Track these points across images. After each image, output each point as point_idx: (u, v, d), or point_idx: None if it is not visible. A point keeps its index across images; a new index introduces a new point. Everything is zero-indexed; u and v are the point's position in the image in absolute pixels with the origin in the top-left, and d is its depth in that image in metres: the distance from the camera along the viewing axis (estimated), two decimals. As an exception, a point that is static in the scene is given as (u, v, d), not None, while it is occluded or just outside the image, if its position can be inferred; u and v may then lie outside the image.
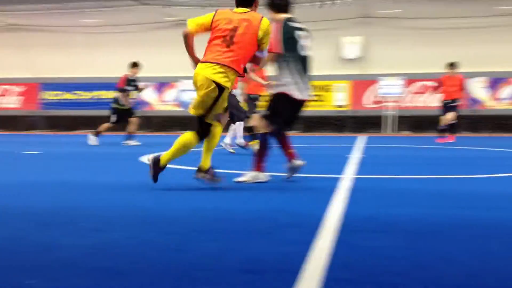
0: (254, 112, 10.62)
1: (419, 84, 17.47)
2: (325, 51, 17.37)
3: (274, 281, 2.20)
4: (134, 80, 11.84)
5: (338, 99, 17.88)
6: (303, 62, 5.04)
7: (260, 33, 4.56)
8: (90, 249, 2.70)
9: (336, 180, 5.26)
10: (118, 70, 18.90)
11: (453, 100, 12.62)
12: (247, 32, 4.55)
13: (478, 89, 17.15)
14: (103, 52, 19.24)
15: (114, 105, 11.77)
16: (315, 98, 17.76)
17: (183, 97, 19.01)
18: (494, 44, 16.88)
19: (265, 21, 4.61)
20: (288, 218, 3.48)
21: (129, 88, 11.77)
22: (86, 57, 19.42)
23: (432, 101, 17.29)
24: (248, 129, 10.79)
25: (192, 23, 4.62)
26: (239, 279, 2.22)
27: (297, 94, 5.06)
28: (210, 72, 4.50)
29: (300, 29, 5.08)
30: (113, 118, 11.69)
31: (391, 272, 2.30)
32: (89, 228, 3.18)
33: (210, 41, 4.65)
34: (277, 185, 5.05)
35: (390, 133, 17.12)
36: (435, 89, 13.36)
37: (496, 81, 17.23)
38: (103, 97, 19.70)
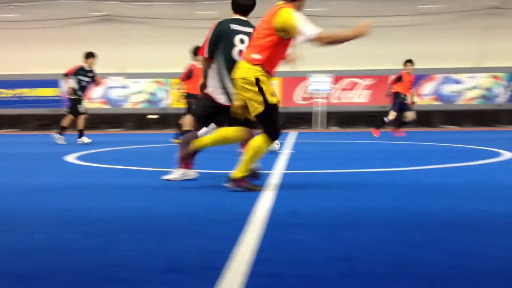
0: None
1: (346, 80, 17.90)
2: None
3: (197, 279, 2.18)
4: (91, 71, 11.41)
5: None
6: (233, 66, 4.64)
7: (276, 21, 4.25)
8: (3, 253, 2.57)
9: (265, 176, 5.29)
10: (42, 67, 18.29)
11: (405, 98, 12.66)
12: (261, 22, 4.39)
13: (402, 85, 17.76)
14: (25, 49, 18.47)
15: (73, 97, 11.32)
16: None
17: (111, 94, 18.56)
18: (417, 42, 17.54)
19: (283, 9, 4.27)
20: (217, 215, 3.47)
21: (85, 79, 11.34)
22: (7, 54, 18.58)
23: (358, 98, 17.77)
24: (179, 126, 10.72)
25: None
26: (162, 279, 2.18)
27: (220, 99, 4.82)
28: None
29: (240, 32, 4.78)
30: (81, 108, 11.33)
31: (312, 265, 2.33)
32: (1, 231, 3.04)
33: None
34: (206, 183, 5.02)
35: (320, 128, 17.45)
36: (393, 83, 12.89)
37: (419, 78, 17.90)
38: (26, 95, 18.92)
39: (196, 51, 10.60)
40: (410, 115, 12.72)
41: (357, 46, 17.67)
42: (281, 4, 4.37)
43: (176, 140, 10.50)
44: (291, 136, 13.38)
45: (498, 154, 7.46)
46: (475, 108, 18.02)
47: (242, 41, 4.75)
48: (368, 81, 17.75)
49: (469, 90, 17.99)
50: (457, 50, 17.57)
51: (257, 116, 4.38)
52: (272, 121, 4.38)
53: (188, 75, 10.48)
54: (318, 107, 17.55)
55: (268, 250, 2.57)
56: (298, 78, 17.81)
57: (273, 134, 4.41)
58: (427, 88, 17.98)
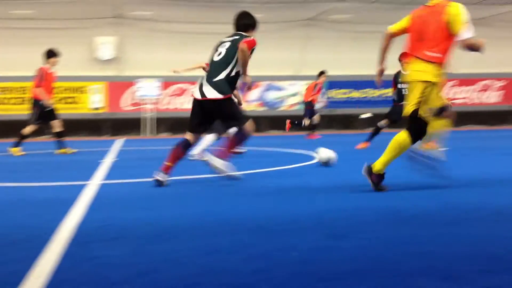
0: (51, 119, 9.72)
1: (175, 86, 17.87)
2: (78, 51, 16.68)
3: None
4: None
5: (94, 101, 17.31)
6: (213, 66, 5.30)
7: (446, 18, 4.48)
8: None
9: (81, 187, 5.01)
10: None
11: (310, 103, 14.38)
12: (432, 21, 4.54)
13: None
14: None
15: None
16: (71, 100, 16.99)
17: None
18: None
19: (451, 6, 4.53)
20: (16, 234, 3.17)
21: None
22: None
23: (188, 103, 17.84)
24: (56, 135, 9.83)
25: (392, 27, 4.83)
26: None
27: (196, 94, 5.29)
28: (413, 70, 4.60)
29: (226, 40, 5.36)
30: None
31: (113, 282, 2.22)
32: None
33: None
34: (9, 198, 4.60)
35: (149, 135, 17.19)
36: (309, 91, 14.45)
37: (245, 85, 18.53)
38: None
39: (49, 54, 9.78)
40: (317, 118, 14.53)
41: (184, 51, 17.83)
42: (440, 2, 4.60)
43: (61, 150, 9.68)
44: (117, 143, 12.98)
45: (311, 158, 7.95)
46: (296, 113, 19.11)
47: (223, 46, 5.34)
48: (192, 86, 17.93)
49: (290, 97, 19.07)
50: (280, 59, 18.50)
51: (411, 115, 4.57)
52: (421, 125, 4.58)
53: (41, 79, 9.60)
54: (147, 113, 17.28)
55: (68, 270, 2.39)
56: (125, 83, 17.36)
57: (418, 136, 4.59)
58: (253, 94, 18.67)
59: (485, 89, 19.69)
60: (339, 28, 18.92)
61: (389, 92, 19.35)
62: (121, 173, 6.36)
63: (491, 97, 19.82)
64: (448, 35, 4.50)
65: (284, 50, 18.60)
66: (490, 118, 19.47)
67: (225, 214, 3.70)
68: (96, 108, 17.33)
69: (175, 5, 16.77)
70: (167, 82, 17.52)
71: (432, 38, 4.53)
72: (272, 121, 18.92)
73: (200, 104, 5.27)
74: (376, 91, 19.22)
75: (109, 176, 6.09)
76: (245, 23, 5.44)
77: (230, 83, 5.26)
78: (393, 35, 4.83)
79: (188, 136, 5.33)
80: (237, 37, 5.34)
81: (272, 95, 18.95)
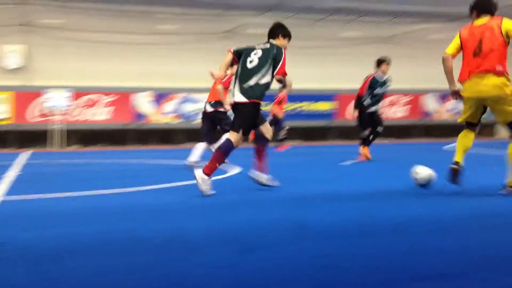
0: None
1: (87, 97, 17.30)
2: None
3: None
4: None
5: (-2, 112, 16.40)
6: (245, 72, 5.62)
7: (503, 31, 4.87)
8: None
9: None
10: None
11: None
12: (490, 37, 4.88)
13: (144, 103, 17.92)
14: None
15: None
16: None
17: None
18: (156, 61, 17.90)
19: (504, 20, 4.94)
20: None
21: None
22: None
23: (100, 115, 17.33)
24: None
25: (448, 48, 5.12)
26: None
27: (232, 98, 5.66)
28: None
29: (258, 48, 5.75)
30: None
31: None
32: None
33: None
34: None
35: (58, 148, 16.50)
36: (277, 104, 14.09)
37: (160, 96, 18.30)
38: None
39: None
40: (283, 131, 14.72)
41: (98, 61, 17.35)
42: (495, 17, 5.01)
43: None
44: (23, 156, 12.35)
45: (223, 172, 7.92)
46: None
47: (255, 53, 5.69)
48: (110, 98, 17.45)
49: (206, 109, 19.03)
50: (196, 71, 18.41)
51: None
52: None
53: None
54: (56, 125, 16.59)
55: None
56: (33, 93, 16.58)
57: None
58: (168, 106, 18.46)
59: (392, 104, 20.60)
60: (256, 42, 19.15)
61: (303, 105, 19.91)
62: (25, 188, 6.02)
63: (398, 112, 20.78)
64: (506, 46, 4.92)
65: (201, 62, 18.51)
66: (396, 132, 20.38)
67: (127, 232, 3.56)
68: (1, 119, 16.42)
69: (86, 14, 16.30)
70: (77, 93, 16.93)
71: (496, 52, 4.89)
72: (188, 134, 18.78)
73: (233, 107, 5.72)
74: (290, 104, 19.60)
75: (11, 191, 5.75)
76: (277, 32, 5.87)
77: (257, 90, 5.59)
78: (453, 57, 5.14)
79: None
80: (268, 46, 5.76)
81: (188, 108, 18.82)
